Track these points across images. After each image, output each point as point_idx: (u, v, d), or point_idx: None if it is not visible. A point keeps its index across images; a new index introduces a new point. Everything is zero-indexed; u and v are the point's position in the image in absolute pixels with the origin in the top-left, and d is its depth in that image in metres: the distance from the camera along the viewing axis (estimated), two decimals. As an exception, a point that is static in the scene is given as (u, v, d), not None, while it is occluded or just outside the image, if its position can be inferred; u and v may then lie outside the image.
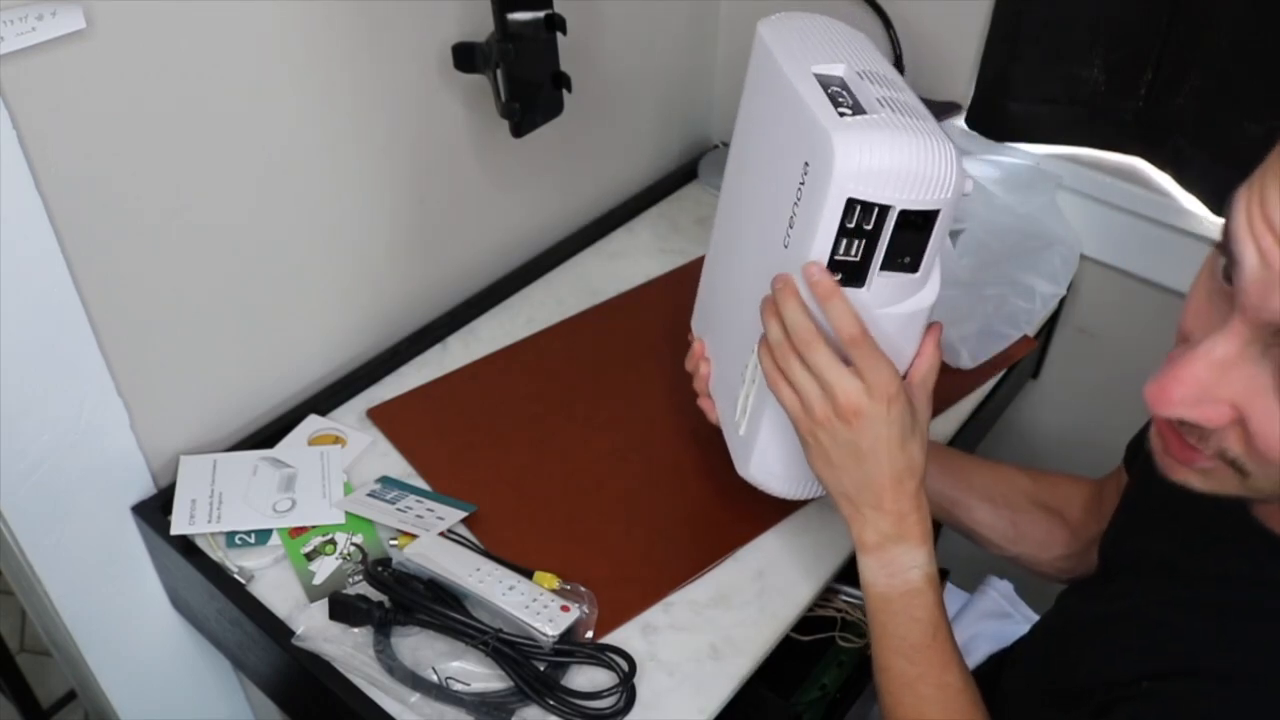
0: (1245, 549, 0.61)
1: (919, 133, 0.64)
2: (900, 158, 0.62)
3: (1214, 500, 0.67)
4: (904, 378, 0.72)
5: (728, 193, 0.86)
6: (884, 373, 0.67)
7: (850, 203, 0.64)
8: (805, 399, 0.69)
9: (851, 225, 0.65)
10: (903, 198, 0.63)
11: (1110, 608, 0.70)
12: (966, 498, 0.90)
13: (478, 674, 0.79)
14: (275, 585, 0.87)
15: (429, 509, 0.91)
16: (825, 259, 0.66)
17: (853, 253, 0.66)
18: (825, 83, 0.69)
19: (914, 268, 0.67)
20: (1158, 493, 0.73)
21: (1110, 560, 0.77)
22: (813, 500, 0.89)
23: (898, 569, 0.71)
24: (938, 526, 1.35)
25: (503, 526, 0.91)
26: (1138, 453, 0.83)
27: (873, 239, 0.65)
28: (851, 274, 0.67)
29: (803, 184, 0.67)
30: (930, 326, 0.73)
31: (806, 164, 0.66)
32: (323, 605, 0.84)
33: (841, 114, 0.65)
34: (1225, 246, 0.48)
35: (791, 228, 0.69)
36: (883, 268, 0.67)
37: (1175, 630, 0.62)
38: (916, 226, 0.65)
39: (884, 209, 0.64)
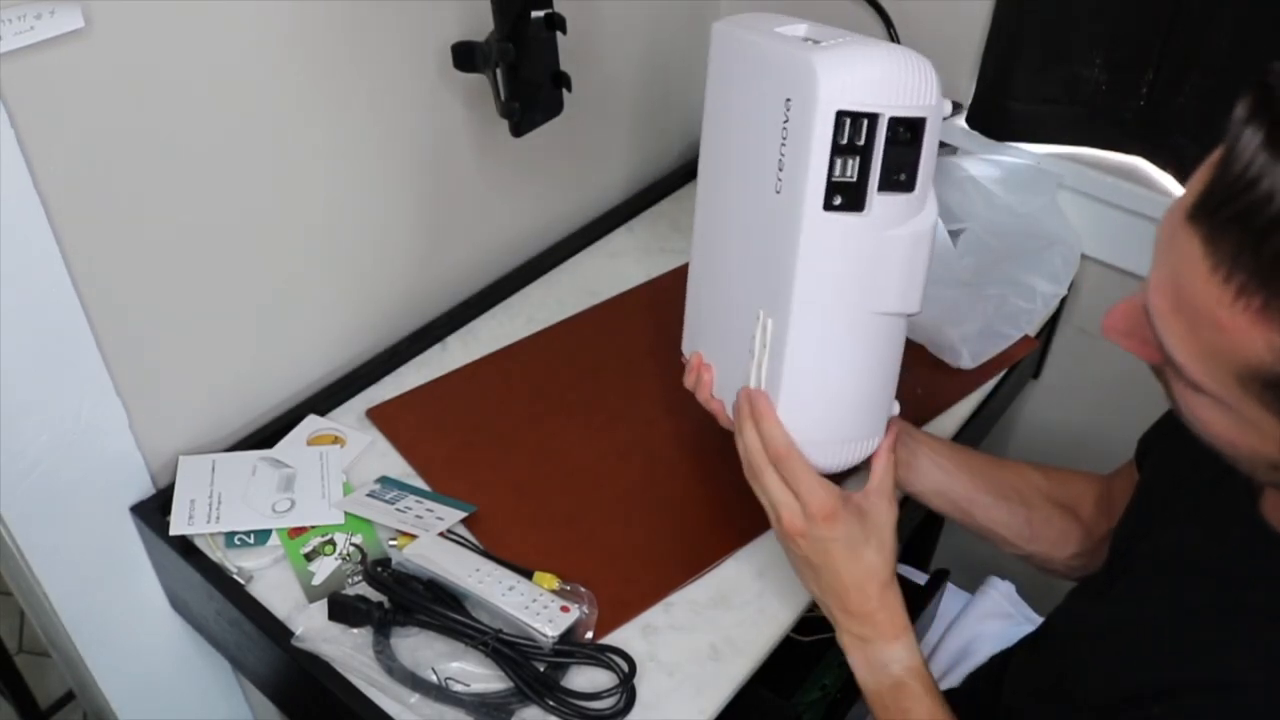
0: (1254, 549, 0.61)
1: (893, 48, 0.67)
2: (880, 68, 0.65)
3: (1223, 500, 0.66)
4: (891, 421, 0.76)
5: (705, 193, 0.85)
6: (817, 493, 0.72)
7: (840, 116, 0.65)
8: (769, 513, 0.75)
9: (844, 141, 0.66)
10: (890, 103, 0.66)
11: (1120, 610, 0.70)
12: (983, 495, 0.89)
13: (477, 674, 0.79)
14: (274, 586, 0.87)
15: (428, 509, 0.90)
16: (822, 186, 0.67)
17: (848, 172, 0.67)
18: (792, 35, 0.72)
19: (910, 186, 0.69)
20: (1169, 492, 0.73)
21: (1119, 558, 0.76)
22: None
23: (876, 665, 0.74)
24: (943, 525, 1.35)
25: (502, 526, 0.91)
26: (1149, 450, 0.82)
27: (866, 154, 0.67)
28: (850, 197, 0.68)
29: (786, 121, 0.68)
30: (888, 426, 0.76)
31: (788, 100, 0.68)
32: (322, 606, 0.83)
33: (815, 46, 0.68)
34: None
35: (782, 170, 0.70)
36: (880, 188, 0.68)
37: (1184, 637, 0.62)
38: (905, 142, 0.67)
39: (873, 118, 0.66)
